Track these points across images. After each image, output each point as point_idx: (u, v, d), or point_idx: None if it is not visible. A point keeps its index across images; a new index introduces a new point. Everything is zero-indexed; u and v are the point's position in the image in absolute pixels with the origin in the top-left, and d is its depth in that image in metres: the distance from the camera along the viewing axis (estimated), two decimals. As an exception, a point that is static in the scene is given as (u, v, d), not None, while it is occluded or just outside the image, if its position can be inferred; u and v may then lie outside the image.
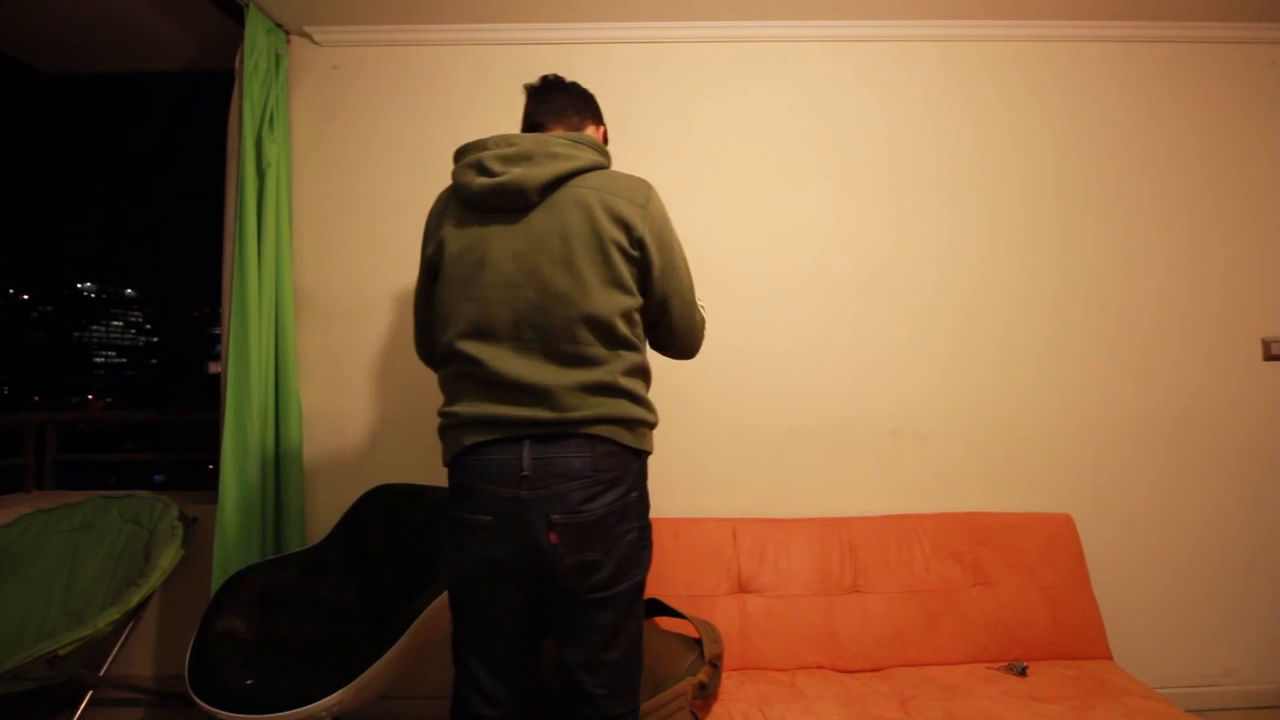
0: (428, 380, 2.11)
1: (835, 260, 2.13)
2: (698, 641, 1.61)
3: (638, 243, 1.16)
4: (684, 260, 1.26)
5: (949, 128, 2.16)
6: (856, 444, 2.11)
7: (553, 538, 1.07)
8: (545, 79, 1.33)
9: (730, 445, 2.10)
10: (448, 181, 2.22)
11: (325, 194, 2.17)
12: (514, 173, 1.12)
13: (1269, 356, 2.12)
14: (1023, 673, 1.71)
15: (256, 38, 1.98)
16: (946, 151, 2.15)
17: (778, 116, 2.16)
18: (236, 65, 2.02)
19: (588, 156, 1.17)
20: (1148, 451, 2.11)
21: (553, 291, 1.11)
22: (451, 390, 1.18)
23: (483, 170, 1.15)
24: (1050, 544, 1.93)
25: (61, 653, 1.59)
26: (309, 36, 2.17)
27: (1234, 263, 2.14)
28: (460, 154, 1.22)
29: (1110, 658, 1.83)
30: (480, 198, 1.15)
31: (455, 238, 1.17)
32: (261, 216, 1.97)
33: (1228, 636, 2.08)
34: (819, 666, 1.78)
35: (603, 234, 1.13)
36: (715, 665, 1.58)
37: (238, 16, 2.01)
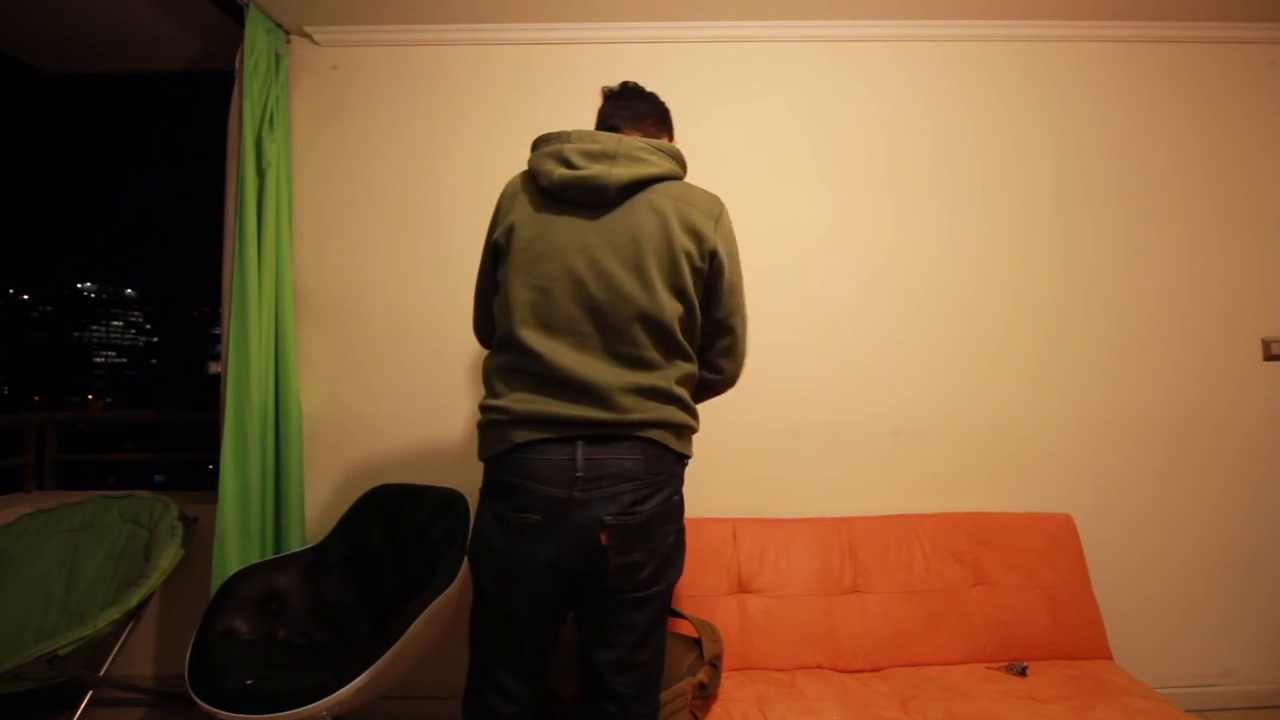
0: (427, 380, 2.12)
1: (835, 260, 2.13)
2: (697, 641, 1.61)
3: (708, 254, 1.18)
4: (743, 284, 1.28)
5: (949, 127, 2.16)
6: (856, 444, 2.11)
7: (604, 538, 1.07)
8: (625, 84, 1.35)
9: (730, 445, 2.10)
10: (448, 180, 2.25)
11: (325, 194, 2.17)
12: (596, 169, 1.13)
13: (1269, 356, 2.12)
14: (1023, 673, 1.71)
15: (256, 38, 1.98)
16: (946, 151, 2.15)
17: (778, 116, 2.16)
18: (236, 65, 2.02)
19: (666, 165, 1.19)
20: (1148, 451, 2.11)
21: (619, 291, 1.11)
22: (501, 383, 1.15)
23: (564, 162, 1.15)
24: (1050, 544, 1.93)
25: (61, 653, 1.59)
26: (309, 36, 2.17)
27: (1234, 263, 2.14)
28: (539, 143, 1.22)
29: (1110, 658, 1.83)
30: (560, 188, 1.15)
31: (527, 224, 1.16)
32: (261, 216, 1.97)
33: (1228, 636, 2.08)
34: (819, 666, 1.78)
35: (674, 242, 1.14)
36: (715, 665, 1.58)
37: (238, 16, 2.01)
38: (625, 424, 1.10)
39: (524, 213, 1.17)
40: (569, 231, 1.14)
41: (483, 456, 1.16)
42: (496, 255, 1.21)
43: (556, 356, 1.10)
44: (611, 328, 1.12)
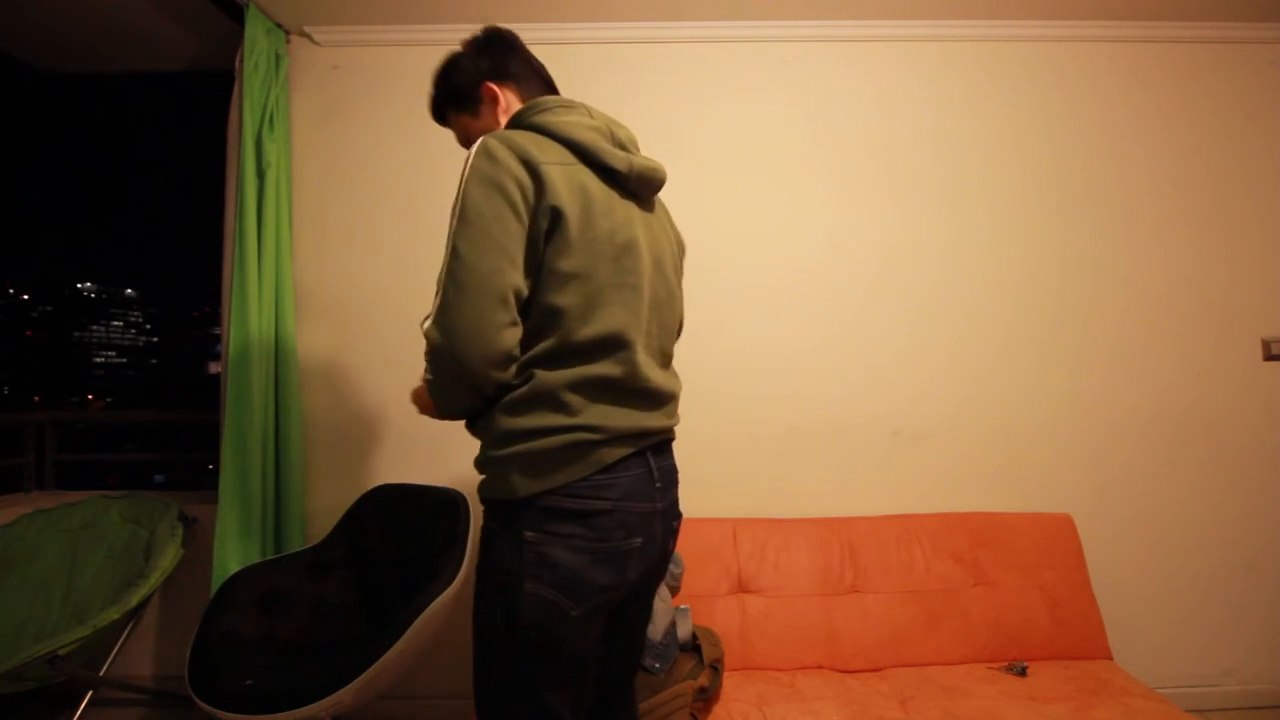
0: (428, 380, 2.12)
1: (835, 260, 2.13)
2: (697, 647, 1.61)
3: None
4: None
5: (949, 128, 2.16)
6: (856, 444, 2.11)
7: (671, 544, 1.06)
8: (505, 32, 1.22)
9: (730, 445, 2.10)
10: (448, 179, 2.17)
11: (325, 194, 2.17)
12: (652, 162, 1.05)
13: (1269, 356, 2.12)
14: (1023, 673, 1.71)
15: (256, 38, 1.98)
16: (947, 152, 2.15)
17: (777, 116, 2.16)
18: (236, 65, 2.02)
19: None
20: (1148, 451, 2.11)
21: (672, 293, 1.10)
22: (575, 396, 0.93)
23: (619, 145, 1.03)
24: (1050, 544, 1.93)
25: (61, 653, 1.59)
26: (309, 36, 2.17)
27: (1234, 263, 2.14)
28: (554, 107, 1.02)
29: (1110, 658, 1.83)
30: (633, 178, 1.02)
31: (606, 210, 0.96)
32: (261, 216, 1.97)
33: (1228, 636, 2.08)
34: (819, 666, 1.78)
35: (681, 248, 1.19)
36: (715, 669, 1.58)
37: (238, 16, 2.01)
38: (671, 429, 1.08)
39: (597, 194, 0.96)
40: (640, 224, 1.02)
41: (552, 485, 0.92)
42: (553, 227, 0.92)
43: (641, 363, 0.99)
44: (665, 329, 1.08)
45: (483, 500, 0.98)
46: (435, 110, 1.19)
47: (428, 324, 0.93)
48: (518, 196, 0.90)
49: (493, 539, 0.96)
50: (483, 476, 0.98)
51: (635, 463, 0.97)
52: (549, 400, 0.93)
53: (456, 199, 0.92)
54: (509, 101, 1.09)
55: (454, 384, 0.93)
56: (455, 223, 0.90)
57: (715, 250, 2.11)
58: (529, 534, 0.92)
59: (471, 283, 0.88)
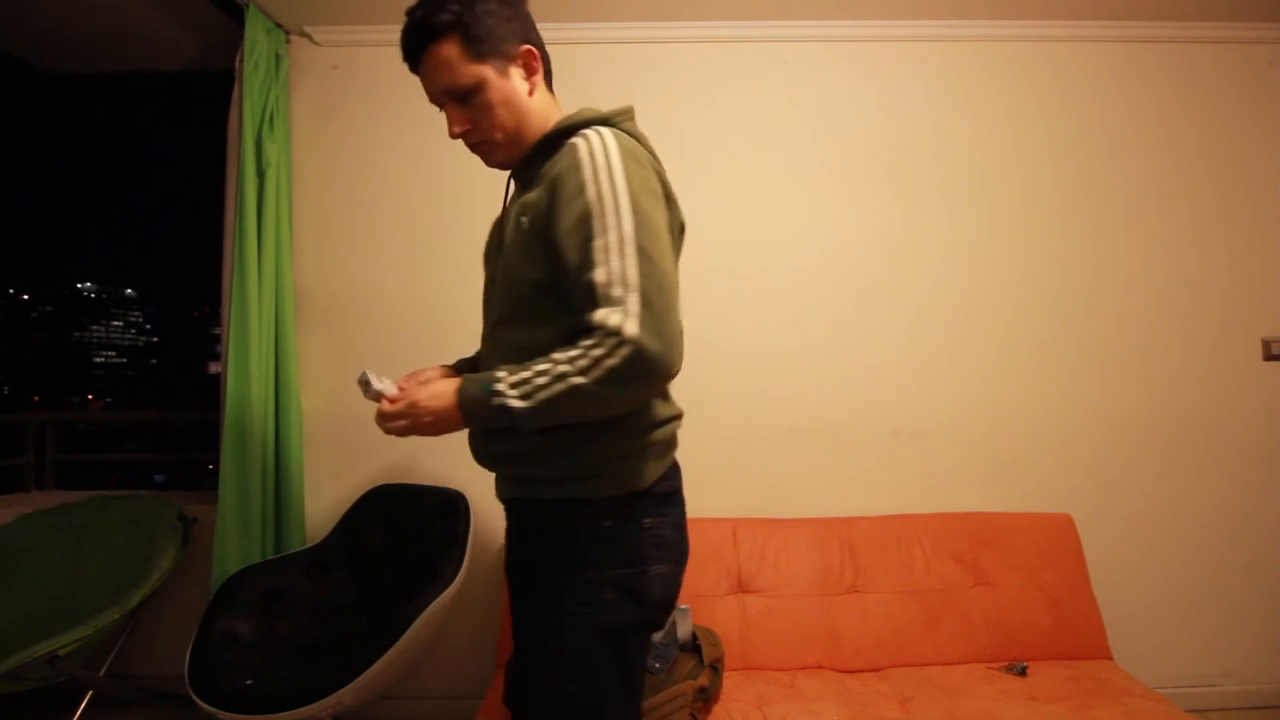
0: (428, 380, 2.12)
1: (836, 260, 2.13)
2: (696, 647, 1.61)
3: None
4: None
5: (949, 128, 2.15)
6: (856, 444, 2.11)
7: None
8: None
9: (730, 445, 2.10)
10: (448, 179, 2.16)
11: (325, 194, 2.17)
12: None
13: (1269, 356, 2.12)
14: (1023, 673, 1.71)
15: (256, 38, 1.98)
16: (947, 151, 2.15)
17: (778, 116, 2.16)
18: (236, 65, 2.02)
19: None
20: (1148, 451, 2.11)
21: None
22: (665, 391, 0.98)
23: None
24: (1050, 544, 1.93)
25: (61, 653, 1.59)
26: (309, 36, 2.17)
27: (1234, 263, 2.14)
28: (629, 116, 1.04)
29: (1110, 658, 1.83)
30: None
31: None
32: (261, 216, 1.97)
33: (1228, 636, 2.08)
34: (819, 666, 1.78)
35: None
36: (716, 669, 1.58)
37: (238, 16, 2.01)
38: None
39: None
40: None
41: (664, 470, 0.96)
42: (678, 243, 0.99)
43: None
44: None
45: (591, 500, 0.91)
46: (426, 34, 0.99)
47: (632, 326, 0.79)
48: (665, 207, 0.94)
49: (604, 537, 0.90)
50: (596, 477, 0.90)
51: None
52: (663, 393, 0.98)
53: (603, 193, 0.84)
54: (540, 78, 1.05)
55: (642, 393, 0.87)
56: (629, 223, 0.83)
57: (715, 250, 2.11)
58: (647, 520, 0.93)
59: (669, 289, 0.84)
